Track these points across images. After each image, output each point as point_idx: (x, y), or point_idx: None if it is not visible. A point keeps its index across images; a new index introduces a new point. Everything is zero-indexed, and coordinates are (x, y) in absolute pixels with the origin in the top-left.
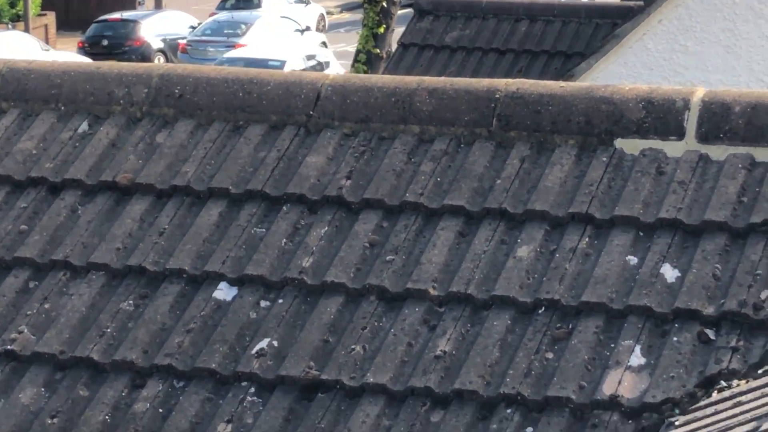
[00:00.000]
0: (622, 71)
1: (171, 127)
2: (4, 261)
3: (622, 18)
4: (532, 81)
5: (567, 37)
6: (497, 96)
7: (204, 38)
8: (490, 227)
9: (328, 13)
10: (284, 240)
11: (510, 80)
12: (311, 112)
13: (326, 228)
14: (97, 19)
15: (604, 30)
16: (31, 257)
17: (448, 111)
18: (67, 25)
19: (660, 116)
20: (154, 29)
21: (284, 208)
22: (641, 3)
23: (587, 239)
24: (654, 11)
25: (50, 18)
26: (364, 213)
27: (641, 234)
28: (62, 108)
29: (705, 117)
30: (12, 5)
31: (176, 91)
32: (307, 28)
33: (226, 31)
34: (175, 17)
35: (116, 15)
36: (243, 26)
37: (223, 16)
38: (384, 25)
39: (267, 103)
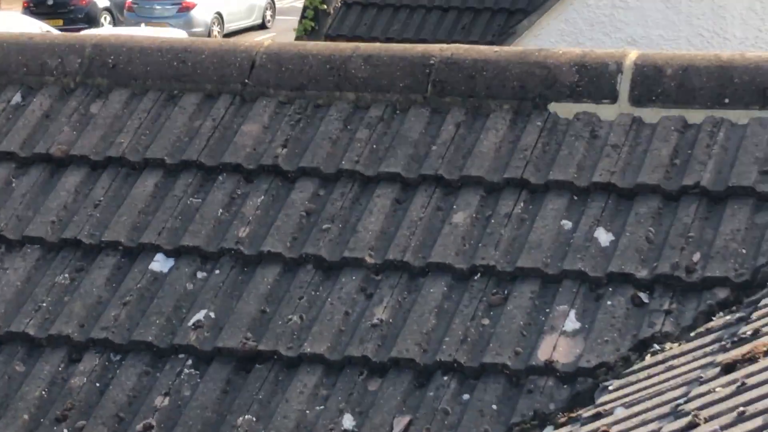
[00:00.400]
0: (564, 27)
1: (105, 97)
2: None
3: None
4: (466, 46)
5: None
6: (432, 62)
7: None
8: (426, 194)
9: None
10: (220, 210)
11: (444, 45)
12: (246, 81)
13: (262, 197)
14: None
15: None
16: None
17: (384, 77)
18: None
19: (593, 80)
20: None
21: (220, 177)
22: None
23: (522, 204)
24: None
25: None
26: (300, 182)
27: (575, 198)
28: None
29: (638, 80)
30: None
31: (110, 60)
32: None
33: None
34: None
35: None
36: None
37: None
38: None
39: (201, 72)
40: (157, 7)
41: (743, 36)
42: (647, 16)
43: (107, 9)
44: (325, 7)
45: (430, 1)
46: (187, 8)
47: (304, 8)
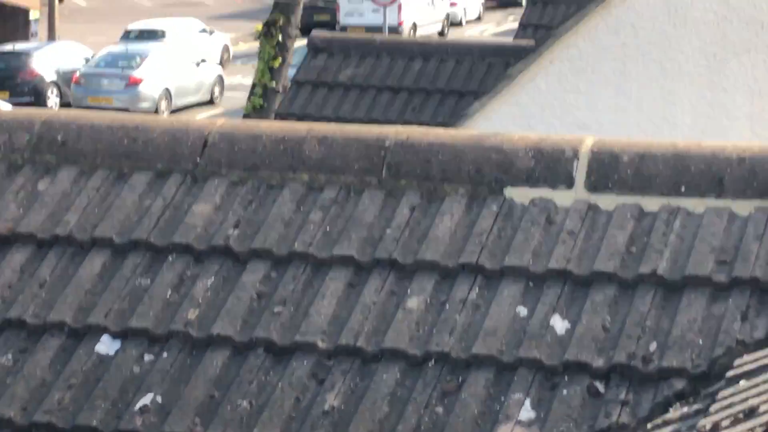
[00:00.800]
0: (515, 111)
1: (53, 174)
2: None
3: (515, 58)
4: (422, 129)
5: (461, 76)
6: (387, 144)
7: (98, 70)
8: (380, 278)
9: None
10: (169, 291)
11: (400, 128)
12: (198, 160)
13: (212, 279)
14: None
15: (497, 69)
16: None
17: (338, 159)
18: None
19: (549, 165)
20: (47, 61)
21: (170, 258)
22: (533, 43)
23: (477, 290)
24: (545, 51)
25: None
26: (251, 263)
27: (531, 284)
28: None
29: (594, 166)
30: None
31: (59, 137)
32: (203, 61)
33: (120, 63)
34: (70, 49)
35: (8, 46)
36: (138, 58)
37: (118, 48)
38: (280, 59)
39: (152, 150)
40: (105, 81)
41: (693, 123)
42: (598, 102)
43: (55, 83)
44: (274, 84)
45: (380, 82)
46: (135, 83)
47: (253, 85)
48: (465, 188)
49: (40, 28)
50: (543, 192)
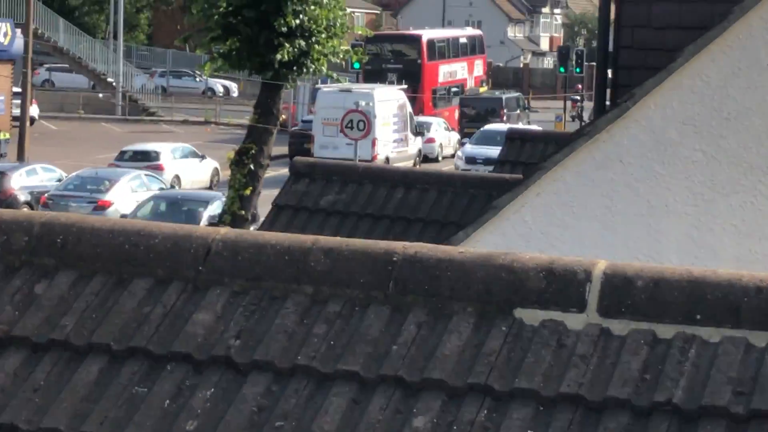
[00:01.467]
0: (499, 242)
1: (51, 277)
2: None
3: (498, 190)
4: (430, 245)
5: (442, 206)
6: (395, 259)
7: (66, 193)
8: (385, 395)
9: None
10: (167, 401)
11: (408, 243)
12: (200, 268)
13: (212, 390)
14: None
15: (480, 201)
16: None
17: (344, 272)
18: None
19: (561, 288)
20: (22, 181)
21: (168, 366)
22: (519, 177)
23: (485, 412)
24: (532, 184)
25: None
26: (252, 375)
27: (541, 408)
28: None
29: (607, 290)
30: None
31: (58, 240)
32: (172, 186)
33: (89, 187)
34: (45, 170)
35: None
36: (107, 182)
37: (87, 171)
38: (251, 188)
39: (154, 257)
40: (73, 204)
41: (679, 262)
42: (584, 236)
43: (27, 203)
44: (243, 213)
45: (362, 209)
46: (103, 207)
47: (222, 213)
48: (473, 307)
49: (10, 150)
50: (554, 314)
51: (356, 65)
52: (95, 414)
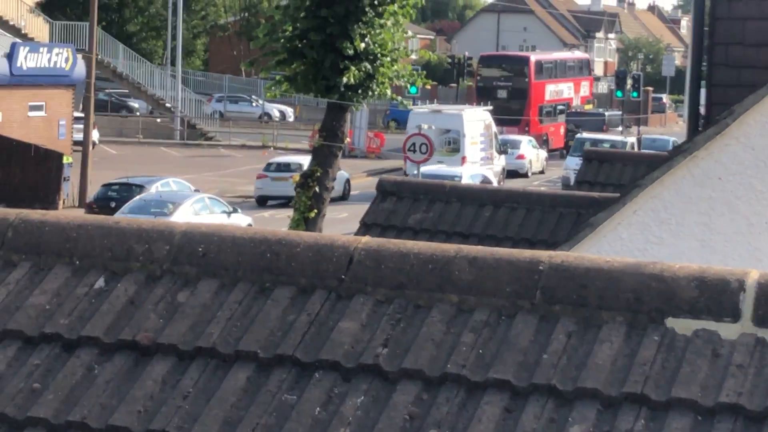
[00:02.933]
0: None
1: (193, 286)
2: (16, 421)
3: (586, 208)
4: (576, 254)
5: (531, 224)
6: (541, 268)
7: (130, 216)
8: (538, 404)
9: None
10: (318, 408)
11: (553, 252)
12: (343, 277)
13: (362, 397)
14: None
15: (568, 219)
16: (45, 417)
17: (489, 281)
18: None
19: (714, 297)
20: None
21: (317, 374)
22: (610, 195)
23: (642, 421)
24: (629, 202)
25: None
26: (402, 383)
27: (700, 418)
28: (77, 263)
29: (762, 300)
30: None
31: (200, 249)
32: (235, 210)
33: (153, 210)
34: (176, 183)
35: (123, 178)
36: (170, 205)
37: (151, 194)
38: (315, 210)
39: (296, 266)
40: None
41: None
42: (681, 254)
43: None
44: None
45: (450, 227)
46: None
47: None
48: (623, 316)
49: (72, 173)
50: (707, 324)
51: (413, 90)
52: (246, 421)
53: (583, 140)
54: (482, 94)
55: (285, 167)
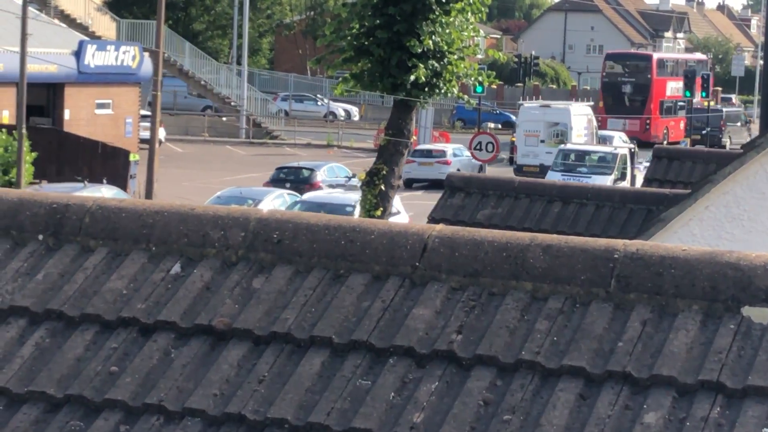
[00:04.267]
0: None
1: (268, 272)
2: (94, 402)
3: (657, 204)
4: (651, 242)
5: (601, 220)
6: (616, 256)
7: None
8: (613, 391)
9: None
10: (392, 393)
11: (628, 241)
12: (417, 264)
13: (437, 383)
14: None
15: (638, 215)
16: (123, 400)
17: (563, 269)
18: None
19: None
20: (323, 176)
21: (391, 360)
22: (681, 192)
23: (719, 408)
24: (701, 197)
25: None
26: (476, 369)
27: None
28: (153, 248)
29: None
30: (5, 172)
31: (275, 236)
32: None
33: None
34: (339, 169)
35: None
36: (250, 202)
37: (230, 190)
38: (381, 209)
39: (370, 253)
40: None
41: None
42: (754, 249)
43: None
44: None
45: (518, 223)
46: None
47: None
48: (699, 305)
49: (139, 171)
50: None
51: (479, 89)
52: (321, 405)
53: (567, 152)
54: (607, 89)
55: (428, 153)
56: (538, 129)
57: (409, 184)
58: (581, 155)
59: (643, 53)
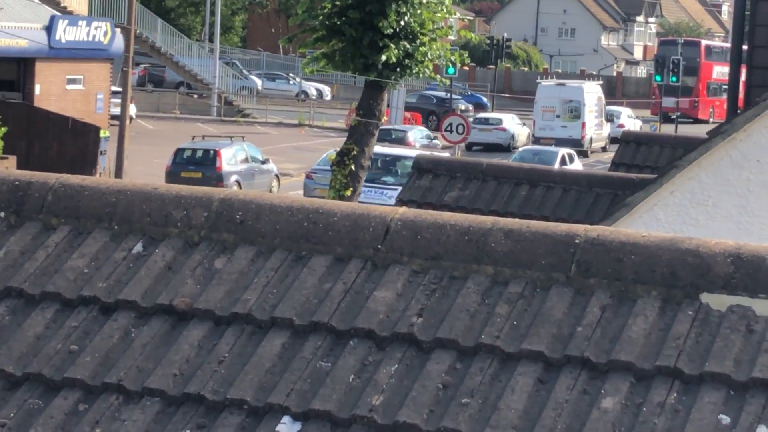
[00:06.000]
0: None
1: (230, 253)
2: (53, 381)
3: (623, 189)
4: (612, 228)
5: (567, 204)
6: (576, 241)
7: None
8: (571, 375)
9: None
10: (352, 376)
11: (589, 226)
12: (379, 246)
13: (396, 366)
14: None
15: (605, 199)
16: (82, 379)
17: (525, 253)
18: (27, 170)
19: (749, 273)
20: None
21: (351, 342)
22: (647, 176)
23: (675, 394)
24: (666, 182)
25: (11, 162)
26: (436, 352)
27: (732, 393)
28: (116, 227)
29: None
30: None
31: (237, 216)
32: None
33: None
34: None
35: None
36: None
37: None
38: (351, 188)
39: (333, 234)
40: None
41: None
42: (718, 236)
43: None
44: None
45: (486, 206)
46: None
47: None
48: (658, 290)
49: (109, 147)
50: (742, 300)
51: (450, 71)
52: (281, 386)
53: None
54: (659, 68)
55: (485, 121)
56: (554, 105)
57: (470, 147)
58: (390, 162)
59: (693, 39)
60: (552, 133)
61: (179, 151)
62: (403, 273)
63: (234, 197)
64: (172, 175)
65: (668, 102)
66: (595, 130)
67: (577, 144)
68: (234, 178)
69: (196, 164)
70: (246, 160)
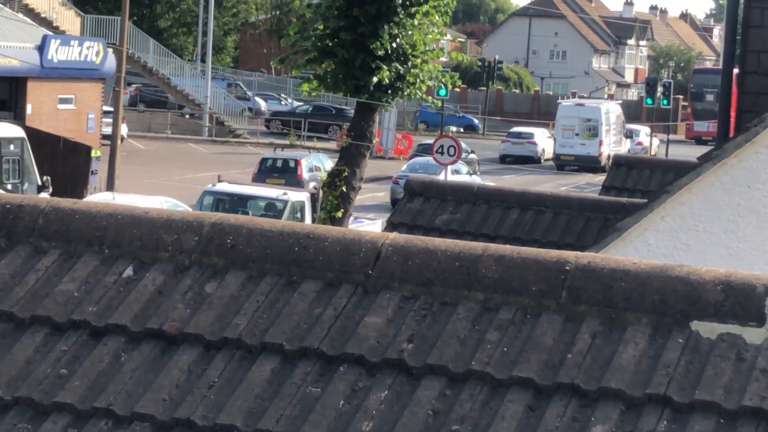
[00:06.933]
0: None
1: (221, 277)
2: (43, 405)
3: (614, 213)
4: (602, 255)
5: (558, 228)
6: (567, 268)
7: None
8: (561, 402)
9: None
10: (342, 401)
11: (579, 253)
12: (370, 272)
13: (386, 392)
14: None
15: (596, 224)
16: (72, 403)
17: (515, 280)
18: None
19: (739, 301)
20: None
21: (341, 368)
22: (638, 201)
23: (665, 422)
24: (657, 208)
25: None
26: (426, 379)
27: (722, 421)
28: (106, 251)
29: None
30: None
31: (228, 241)
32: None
33: None
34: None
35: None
36: None
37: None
38: (342, 210)
39: (323, 259)
40: None
41: None
42: (708, 261)
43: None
44: None
45: (477, 229)
46: None
47: None
48: (648, 318)
49: (100, 167)
50: (732, 328)
51: (442, 92)
52: (271, 412)
53: (215, 195)
54: (695, 98)
55: (518, 135)
56: (573, 124)
57: (503, 159)
58: (239, 201)
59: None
60: (571, 151)
61: (264, 161)
62: (393, 298)
63: (225, 221)
64: (258, 182)
65: (701, 126)
66: (613, 147)
67: (594, 161)
68: (312, 184)
69: (280, 172)
70: (319, 169)
